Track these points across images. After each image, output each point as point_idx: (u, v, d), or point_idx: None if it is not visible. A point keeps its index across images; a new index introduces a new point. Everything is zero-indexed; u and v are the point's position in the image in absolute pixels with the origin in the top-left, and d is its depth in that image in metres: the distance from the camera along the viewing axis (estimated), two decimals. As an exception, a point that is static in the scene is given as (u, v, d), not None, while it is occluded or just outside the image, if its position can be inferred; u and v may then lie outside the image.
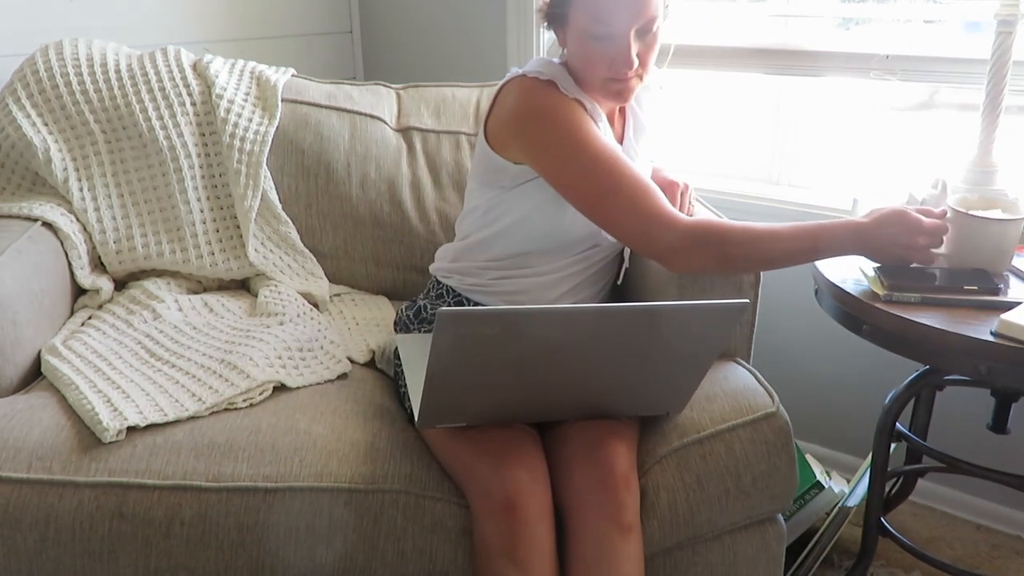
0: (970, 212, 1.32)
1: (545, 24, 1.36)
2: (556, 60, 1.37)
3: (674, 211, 1.27)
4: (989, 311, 1.24)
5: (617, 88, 1.29)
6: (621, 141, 1.42)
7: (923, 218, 1.26)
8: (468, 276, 1.43)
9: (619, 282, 1.49)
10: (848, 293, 1.33)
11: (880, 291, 1.29)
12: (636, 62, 1.26)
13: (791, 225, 1.28)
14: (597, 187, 1.27)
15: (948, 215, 1.31)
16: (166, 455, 1.18)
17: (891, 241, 1.26)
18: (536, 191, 1.34)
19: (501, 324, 1.03)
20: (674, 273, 1.34)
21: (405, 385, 1.33)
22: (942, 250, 1.32)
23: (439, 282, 1.47)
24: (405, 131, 1.87)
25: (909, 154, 1.89)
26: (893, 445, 1.50)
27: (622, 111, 1.45)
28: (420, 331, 1.46)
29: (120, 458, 1.17)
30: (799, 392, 1.91)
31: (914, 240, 1.25)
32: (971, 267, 1.31)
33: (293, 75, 1.91)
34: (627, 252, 1.49)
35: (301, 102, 1.84)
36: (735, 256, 1.27)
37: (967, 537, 1.83)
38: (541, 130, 1.29)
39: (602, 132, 1.32)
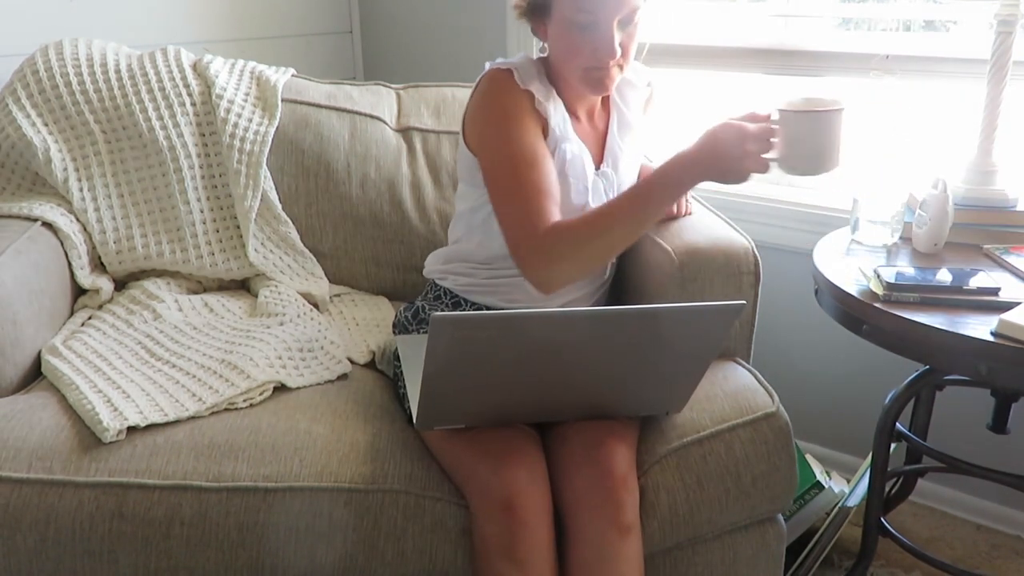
0: (788, 108, 1.23)
1: (523, 17, 1.36)
2: (536, 55, 1.38)
3: (544, 222, 1.23)
4: (989, 311, 1.24)
5: (598, 76, 1.30)
6: (604, 137, 1.42)
7: (747, 124, 1.19)
8: (463, 277, 1.43)
9: (606, 276, 1.48)
10: (848, 293, 1.33)
11: (880, 291, 1.30)
12: (619, 51, 1.27)
13: (624, 192, 1.25)
14: (499, 186, 1.29)
15: (773, 117, 1.23)
16: (166, 455, 1.18)
17: (722, 156, 1.19)
18: None
19: (496, 328, 1.04)
20: (540, 291, 1.27)
21: (405, 386, 1.33)
22: (773, 154, 1.22)
23: (436, 284, 1.48)
24: (405, 131, 1.87)
25: (909, 154, 1.89)
26: (893, 445, 1.50)
27: (606, 106, 1.45)
28: (419, 332, 1.46)
29: (120, 458, 1.17)
30: (799, 392, 1.91)
31: (744, 148, 1.17)
32: (802, 170, 1.22)
33: (293, 75, 1.91)
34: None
35: (301, 102, 1.84)
36: (567, 251, 1.23)
37: (967, 537, 1.83)
38: (483, 119, 1.33)
39: (556, 127, 1.32)
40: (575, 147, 1.35)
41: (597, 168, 1.40)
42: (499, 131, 1.30)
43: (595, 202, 1.36)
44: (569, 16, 1.26)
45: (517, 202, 1.26)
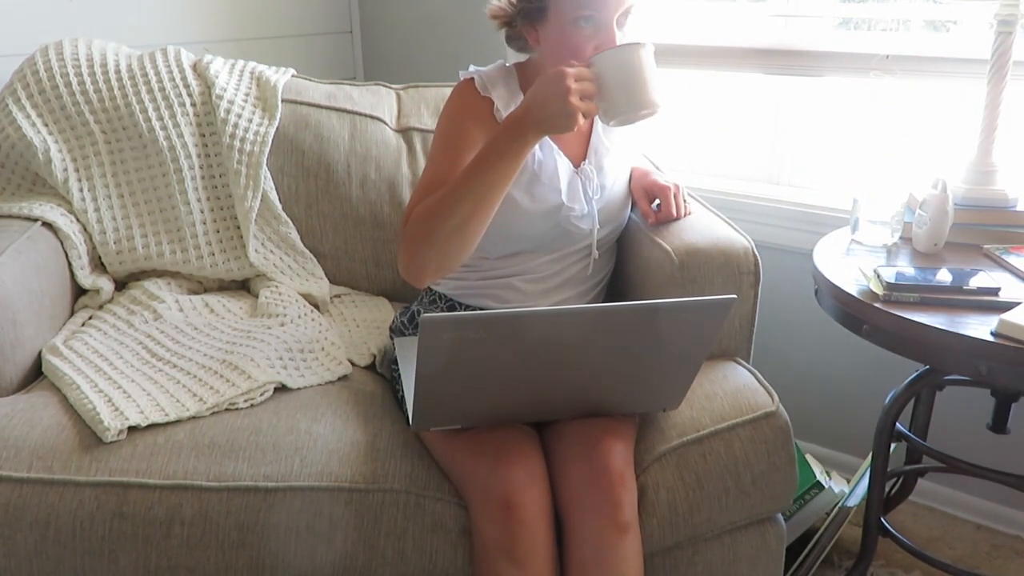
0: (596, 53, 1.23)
1: (506, 26, 1.36)
2: (509, 63, 1.40)
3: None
4: (989, 311, 1.24)
5: None
6: (589, 135, 1.43)
7: (566, 68, 1.17)
8: (455, 280, 1.44)
9: (595, 276, 1.48)
10: (848, 293, 1.33)
11: (880, 291, 1.30)
12: None
13: (467, 165, 1.23)
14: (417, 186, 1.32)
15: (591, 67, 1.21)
16: (167, 455, 1.18)
17: (547, 101, 1.16)
18: None
19: (487, 328, 1.04)
20: (414, 285, 1.28)
21: (403, 388, 1.33)
22: (599, 105, 1.21)
23: (431, 289, 1.48)
24: (405, 131, 1.87)
25: (909, 154, 1.89)
26: (893, 445, 1.50)
27: None
28: (415, 335, 1.46)
29: (121, 458, 1.17)
30: (799, 392, 1.91)
31: (564, 86, 1.14)
32: (621, 113, 1.20)
33: (293, 75, 1.91)
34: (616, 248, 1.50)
35: (301, 102, 1.84)
36: (425, 232, 1.21)
37: (967, 537, 1.83)
38: (437, 126, 1.37)
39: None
40: (543, 148, 1.36)
41: (578, 166, 1.40)
42: (437, 133, 1.36)
43: (570, 200, 1.36)
44: (571, 14, 1.26)
45: (413, 197, 1.30)
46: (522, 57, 1.44)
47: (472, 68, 1.38)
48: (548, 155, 1.36)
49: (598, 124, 1.43)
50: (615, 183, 1.44)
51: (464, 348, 1.05)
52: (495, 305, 1.41)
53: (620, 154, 1.46)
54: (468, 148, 1.28)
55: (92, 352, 1.39)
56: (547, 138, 1.37)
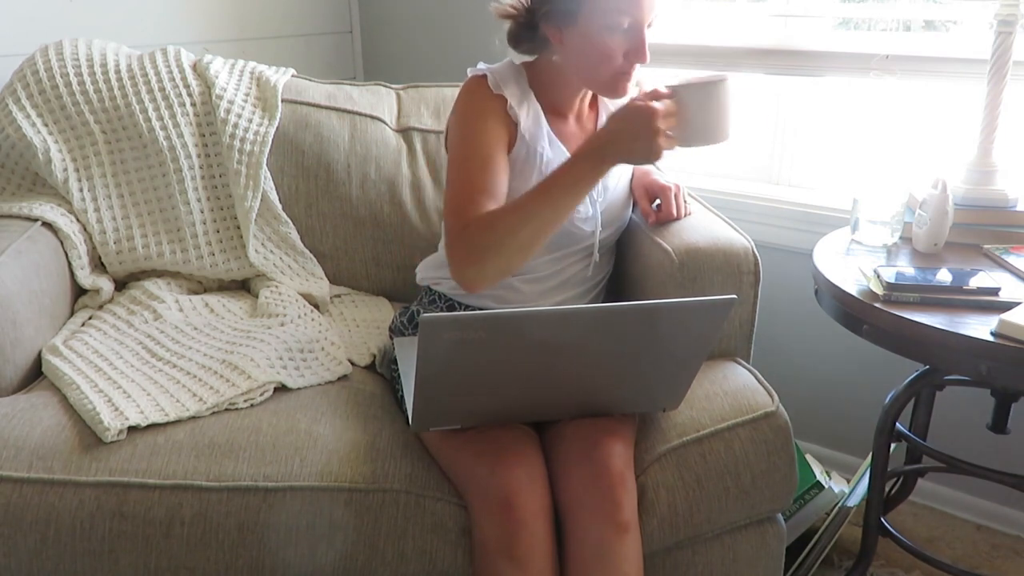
0: (679, 85, 1.26)
1: (529, 25, 1.34)
2: (517, 61, 1.39)
3: (468, 220, 1.22)
4: (989, 311, 1.24)
5: (625, 81, 1.31)
6: None
7: (653, 104, 1.18)
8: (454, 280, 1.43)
9: (595, 277, 1.48)
10: (848, 293, 1.33)
11: (880, 291, 1.30)
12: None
13: (542, 181, 1.24)
14: (448, 185, 1.31)
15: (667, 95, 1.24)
16: (167, 455, 1.18)
17: (635, 136, 1.18)
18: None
19: (486, 328, 1.04)
20: (466, 290, 1.27)
21: (403, 389, 1.33)
22: (673, 134, 1.23)
23: (430, 289, 1.48)
24: (405, 131, 1.87)
25: (909, 154, 1.90)
26: (893, 445, 1.50)
27: (593, 107, 1.45)
28: (414, 335, 1.46)
29: (121, 458, 1.17)
30: (799, 392, 1.91)
31: (653, 127, 1.17)
32: (698, 142, 1.24)
33: (293, 75, 1.91)
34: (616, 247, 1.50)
35: (301, 102, 1.84)
36: (490, 243, 1.21)
37: (967, 537, 1.83)
38: (452, 123, 1.36)
39: (526, 132, 1.33)
40: (553, 148, 1.36)
41: None
42: (459, 133, 1.33)
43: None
44: (604, 20, 1.25)
45: (455, 199, 1.27)
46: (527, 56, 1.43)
47: (481, 65, 1.37)
48: (557, 156, 1.36)
49: (601, 125, 1.43)
50: (617, 184, 1.44)
51: (464, 348, 1.05)
52: (495, 305, 1.41)
53: None
54: (495, 146, 1.30)
55: (92, 352, 1.39)
56: (555, 137, 1.37)
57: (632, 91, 1.48)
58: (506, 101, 1.33)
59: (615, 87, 1.32)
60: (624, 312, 1.07)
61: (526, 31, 1.35)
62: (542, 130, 1.36)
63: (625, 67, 1.29)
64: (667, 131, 1.19)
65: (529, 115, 1.35)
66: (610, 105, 1.45)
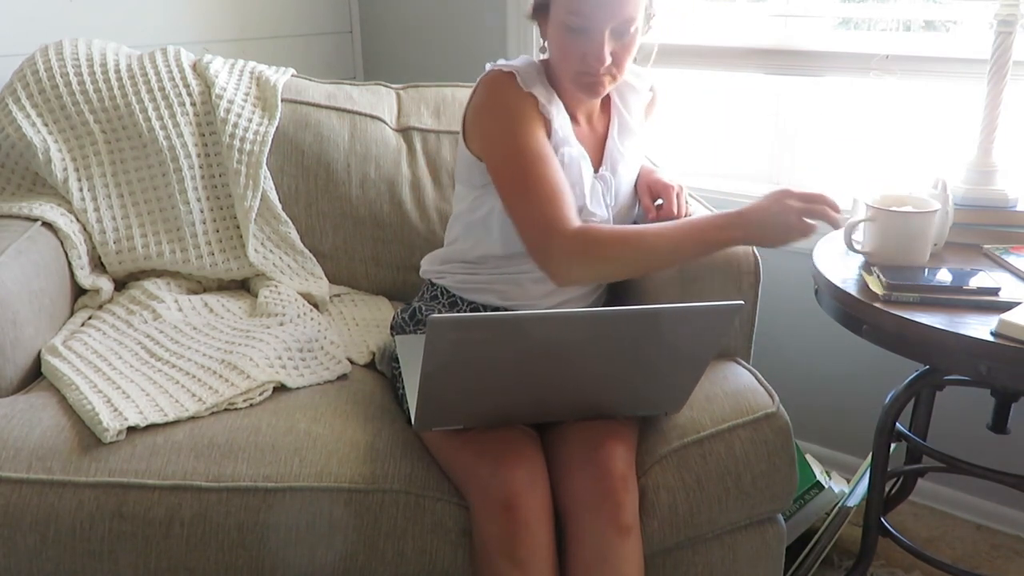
0: (889, 208, 1.37)
1: (531, 15, 1.37)
2: (537, 57, 1.39)
3: (571, 221, 1.25)
4: (989, 311, 1.24)
5: (588, 82, 1.30)
6: (604, 140, 1.42)
7: (807, 202, 1.22)
8: (460, 275, 1.43)
9: None
10: (848, 293, 1.33)
11: (880, 291, 1.30)
12: (608, 60, 1.26)
13: (674, 223, 1.27)
14: (512, 185, 1.29)
15: (869, 214, 1.38)
16: (166, 455, 1.18)
17: (787, 234, 1.22)
18: None
19: (493, 329, 1.04)
20: (558, 285, 1.32)
21: (403, 387, 1.33)
22: (867, 248, 1.39)
23: (432, 283, 1.48)
24: (405, 131, 1.87)
25: (909, 154, 1.90)
26: (893, 445, 1.50)
27: (606, 110, 1.45)
28: (416, 333, 1.46)
29: (120, 458, 1.17)
30: (799, 392, 1.91)
31: (806, 230, 1.22)
32: (892, 261, 1.37)
33: (293, 75, 1.91)
34: None
35: (301, 102, 1.84)
36: (614, 259, 1.26)
37: (967, 537, 1.83)
38: (488, 120, 1.33)
39: (559, 129, 1.33)
40: (574, 150, 1.35)
41: (596, 171, 1.40)
42: (508, 131, 1.30)
43: (593, 205, 1.36)
44: (563, 19, 1.27)
45: (535, 200, 1.26)
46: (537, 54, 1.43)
47: (501, 61, 1.35)
48: (576, 159, 1.35)
49: (613, 129, 1.43)
50: (626, 187, 1.45)
51: (469, 349, 1.05)
52: (498, 301, 1.41)
53: (632, 159, 1.46)
54: (547, 144, 1.30)
55: (91, 352, 1.39)
56: (576, 141, 1.36)
57: (644, 95, 1.48)
58: (537, 100, 1.32)
59: (582, 87, 1.31)
60: (629, 316, 1.07)
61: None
62: (569, 131, 1.36)
63: (585, 68, 1.28)
64: (862, 250, 1.32)
65: (559, 114, 1.34)
66: (624, 111, 1.44)
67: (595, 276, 1.35)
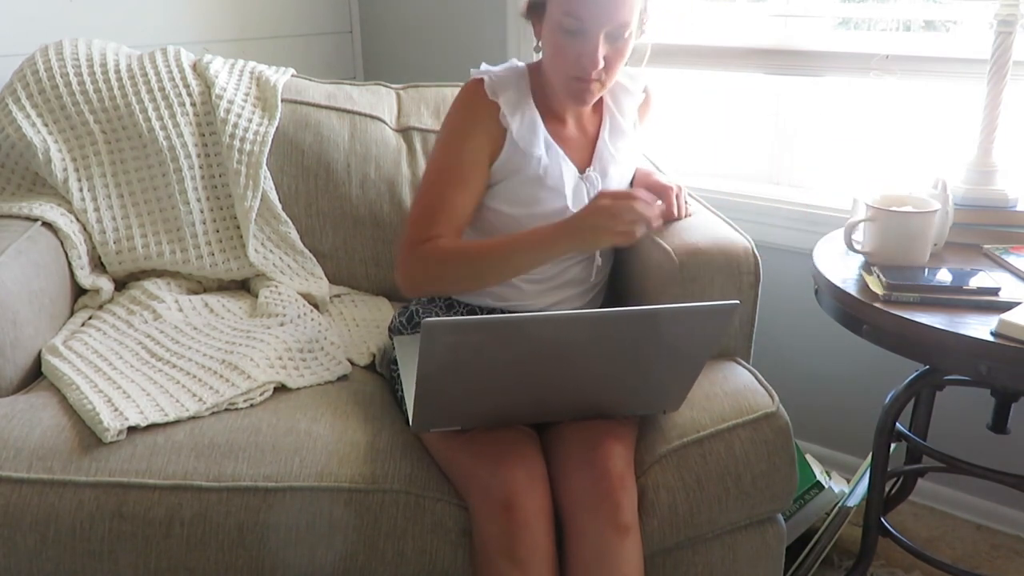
0: (889, 208, 1.38)
1: (525, 14, 1.37)
2: (522, 63, 1.40)
3: (430, 238, 1.30)
4: (989, 311, 1.24)
5: (579, 88, 1.30)
6: (595, 142, 1.42)
7: (636, 202, 1.23)
8: None
9: (594, 279, 1.48)
10: (848, 293, 1.33)
11: (880, 291, 1.30)
12: (601, 63, 1.27)
13: (515, 237, 1.30)
14: (421, 188, 1.37)
15: (869, 214, 1.38)
16: (167, 455, 1.18)
17: (583, 222, 1.25)
18: (501, 191, 1.36)
19: (488, 331, 1.04)
20: (404, 295, 1.40)
21: (402, 389, 1.33)
22: (867, 248, 1.40)
23: None
24: (405, 131, 1.87)
25: (909, 154, 1.90)
26: (893, 445, 1.50)
27: (598, 111, 1.44)
28: (414, 334, 1.46)
29: (120, 458, 1.17)
30: (799, 392, 1.91)
31: (601, 208, 1.23)
32: (892, 261, 1.38)
33: (293, 75, 1.91)
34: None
35: (301, 102, 1.84)
36: (449, 277, 1.33)
37: (967, 537, 1.83)
38: (444, 123, 1.39)
39: (521, 138, 1.34)
40: (550, 153, 1.36)
41: (582, 172, 1.40)
42: (443, 140, 1.37)
43: (576, 206, 1.36)
44: (558, 20, 1.27)
45: (416, 211, 1.34)
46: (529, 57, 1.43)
47: (484, 67, 1.37)
48: (554, 160, 1.36)
49: (605, 130, 1.43)
50: (620, 186, 1.44)
51: (465, 351, 1.05)
52: (494, 303, 1.41)
53: (625, 161, 1.46)
54: (476, 164, 1.34)
55: (92, 352, 1.39)
56: (553, 143, 1.37)
57: (638, 96, 1.47)
58: (499, 108, 1.33)
59: (572, 94, 1.31)
60: (625, 317, 1.07)
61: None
62: (538, 136, 1.35)
63: (578, 72, 1.28)
64: (862, 250, 1.34)
65: (524, 121, 1.34)
66: (616, 113, 1.44)
67: (432, 291, 1.42)
